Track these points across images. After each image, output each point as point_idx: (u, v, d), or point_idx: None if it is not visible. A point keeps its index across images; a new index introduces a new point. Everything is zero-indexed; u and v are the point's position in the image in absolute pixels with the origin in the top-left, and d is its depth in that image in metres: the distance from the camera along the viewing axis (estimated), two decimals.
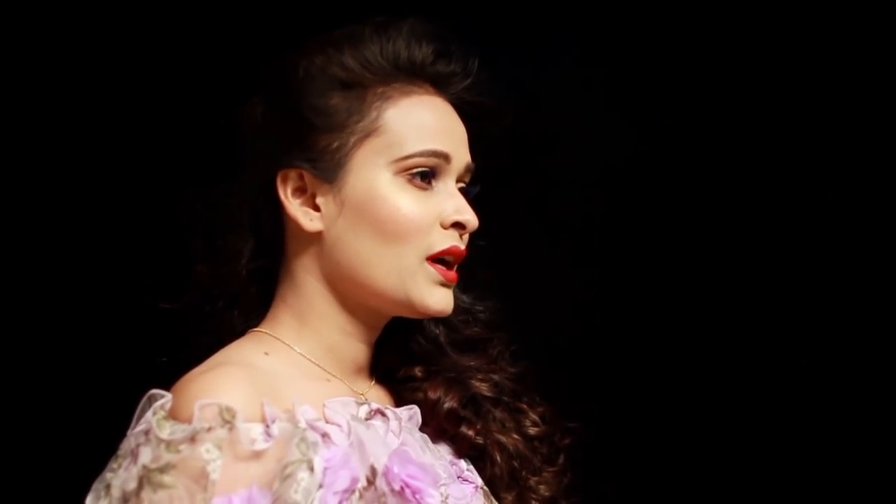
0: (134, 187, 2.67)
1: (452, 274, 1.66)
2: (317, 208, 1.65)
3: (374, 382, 1.73)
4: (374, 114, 1.63)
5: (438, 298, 1.65)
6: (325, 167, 1.63)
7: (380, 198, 1.62)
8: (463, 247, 1.67)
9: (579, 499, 1.90)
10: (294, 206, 1.66)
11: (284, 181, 1.66)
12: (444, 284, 1.65)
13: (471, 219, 1.67)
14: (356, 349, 1.68)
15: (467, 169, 1.69)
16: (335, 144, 1.63)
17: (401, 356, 1.76)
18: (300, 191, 1.65)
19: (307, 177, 1.64)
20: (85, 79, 2.74)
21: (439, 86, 1.69)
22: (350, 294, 1.66)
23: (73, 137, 2.75)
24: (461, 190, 1.68)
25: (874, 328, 2.87)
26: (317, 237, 1.65)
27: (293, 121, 1.64)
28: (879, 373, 2.86)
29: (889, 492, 2.82)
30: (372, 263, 1.62)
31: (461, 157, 1.67)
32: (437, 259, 1.65)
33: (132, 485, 1.45)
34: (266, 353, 1.63)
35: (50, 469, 2.65)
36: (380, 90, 1.65)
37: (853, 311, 2.89)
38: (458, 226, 1.66)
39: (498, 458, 1.73)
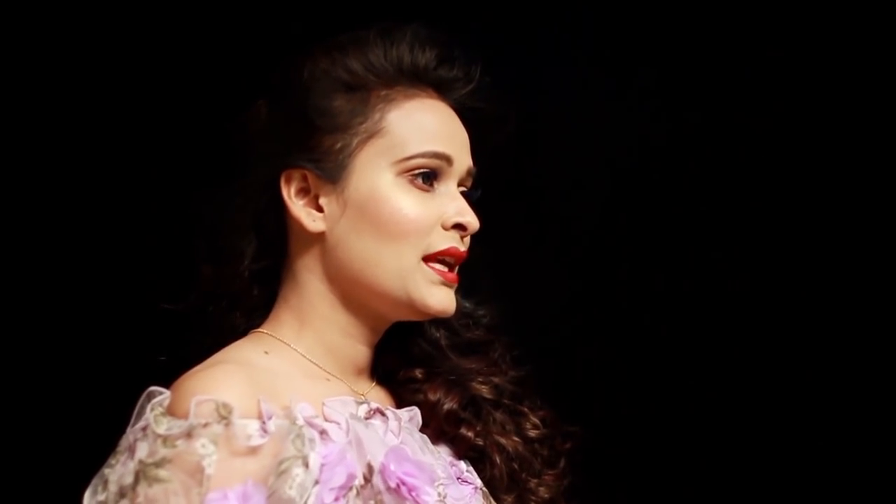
0: (138, 188, 2.68)
1: (452, 275, 1.68)
2: (320, 209, 1.67)
3: (374, 384, 1.74)
4: (377, 115, 1.66)
5: (439, 298, 1.66)
6: (329, 168, 1.65)
7: (382, 198, 1.64)
8: (463, 249, 1.69)
9: (578, 502, 1.91)
10: (297, 207, 1.67)
11: (288, 181, 1.67)
12: (444, 284, 1.66)
13: (472, 220, 1.69)
14: (357, 350, 1.70)
15: (469, 173, 1.72)
16: (338, 145, 1.65)
17: (401, 358, 1.77)
18: (303, 191, 1.67)
19: (310, 177, 1.66)
20: (90, 81, 2.75)
21: (442, 90, 1.72)
22: (352, 295, 1.67)
23: (77, 139, 2.76)
24: (463, 194, 1.70)
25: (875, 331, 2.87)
26: (320, 237, 1.67)
27: (297, 122, 1.67)
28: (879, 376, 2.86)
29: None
30: (373, 263, 1.64)
31: (463, 160, 1.70)
32: (437, 260, 1.66)
33: (128, 479, 1.47)
34: (266, 353, 1.64)
35: (51, 466, 2.65)
36: (383, 93, 1.67)
37: (853, 315, 2.89)
38: (459, 227, 1.68)
39: (497, 459, 1.74)
